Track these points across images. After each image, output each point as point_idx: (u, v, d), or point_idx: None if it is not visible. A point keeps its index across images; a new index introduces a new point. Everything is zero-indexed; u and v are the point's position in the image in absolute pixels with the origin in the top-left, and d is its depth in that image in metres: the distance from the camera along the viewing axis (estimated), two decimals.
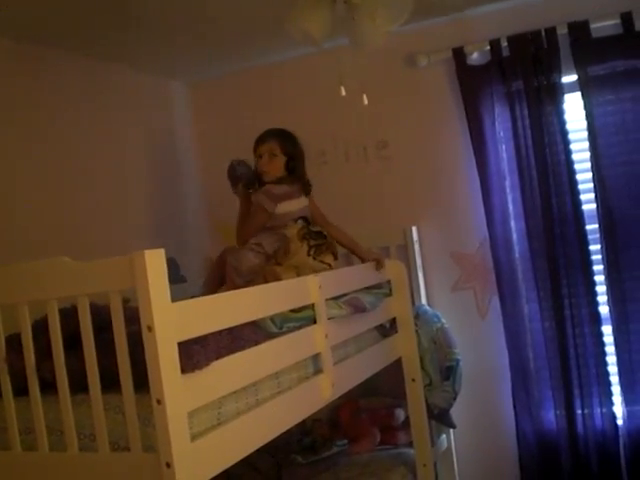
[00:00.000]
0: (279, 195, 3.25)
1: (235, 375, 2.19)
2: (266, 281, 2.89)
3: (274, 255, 3.15)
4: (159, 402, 1.81)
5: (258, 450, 2.29)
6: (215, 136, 4.71)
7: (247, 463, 3.36)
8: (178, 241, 4.48)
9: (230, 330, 2.21)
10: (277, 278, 2.92)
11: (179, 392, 1.86)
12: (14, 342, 2.15)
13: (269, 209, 3.22)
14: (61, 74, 3.84)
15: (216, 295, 2.23)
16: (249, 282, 3.07)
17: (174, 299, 1.91)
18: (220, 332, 2.15)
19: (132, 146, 4.31)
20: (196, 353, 1.98)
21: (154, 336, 1.81)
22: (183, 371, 1.90)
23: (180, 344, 1.90)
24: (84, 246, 3.60)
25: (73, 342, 2.04)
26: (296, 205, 3.29)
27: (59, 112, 3.80)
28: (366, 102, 3.03)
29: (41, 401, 2.07)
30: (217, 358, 2.08)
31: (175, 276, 4.25)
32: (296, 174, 3.36)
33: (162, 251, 1.87)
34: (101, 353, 1.98)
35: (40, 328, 2.10)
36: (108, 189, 4.05)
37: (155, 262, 1.84)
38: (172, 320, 1.87)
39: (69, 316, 2.04)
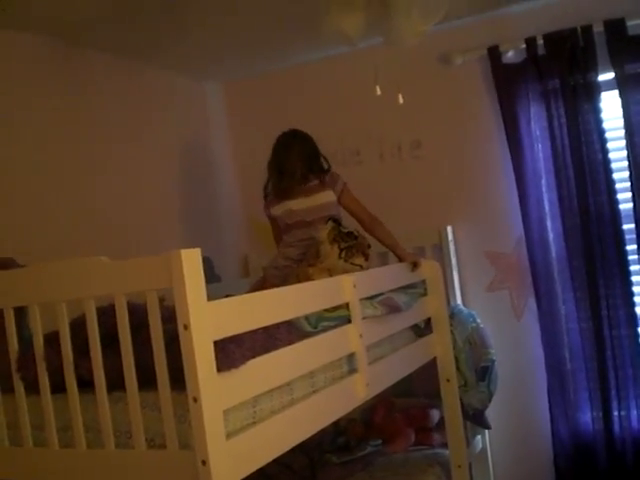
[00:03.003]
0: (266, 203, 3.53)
1: (270, 374, 2.19)
2: (299, 282, 2.90)
3: (305, 257, 3.17)
4: (195, 400, 1.82)
5: (292, 449, 2.29)
6: (249, 135, 4.73)
7: (281, 462, 3.38)
8: (213, 240, 4.51)
9: (265, 329, 2.21)
10: (309, 279, 2.93)
11: (215, 390, 1.87)
12: (52, 340, 2.17)
13: (266, 214, 3.52)
14: (97, 74, 3.90)
15: (251, 294, 2.24)
16: (284, 282, 3.09)
17: (209, 298, 1.92)
18: (255, 331, 2.15)
19: (167, 146, 4.35)
20: (232, 352, 1.98)
21: (190, 334, 1.82)
22: (219, 369, 1.91)
23: (216, 343, 1.91)
24: (120, 246, 3.65)
25: (110, 340, 2.06)
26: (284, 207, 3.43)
27: (95, 112, 3.85)
28: (401, 101, 3.02)
29: (79, 399, 2.09)
30: (252, 357, 2.09)
31: (210, 275, 4.28)
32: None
33: (198, 250, 1.88)
34: (138, 351, 1.99)
35: (78, 326, 2.13)
36: (144, 189, 4.09)
37: (191, 261, 1.85)
38: (208, 319, 1.88)
39: (107, 314, 2.06)
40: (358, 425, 4.05)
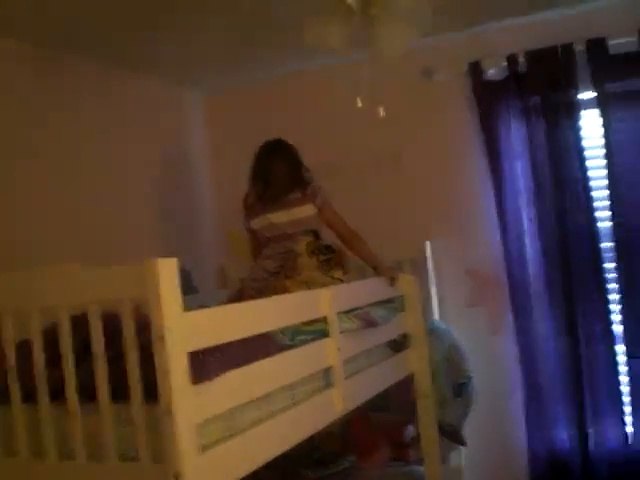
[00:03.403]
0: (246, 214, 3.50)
1: (247, 386, 2.16)
2: (276, 295, 2.87)
3: (283, 270, 3.14)
4: (168, 412, 1.79)
5: (265, 464, 2.26)
6: (228, 147, 4.70)
7: (253, 476, 3.33)
8: (190, 252, 4.47)
9: (242, 341, 2.18)
10: (286, 292, 2.90)
11: (189, 403, 1.84)
12: (24, 349, 2.12)
13: (244, 227, 3.49)
14: (75, 78, 3.85)
15: (228, 306, 2.21)
16: (261, 294, 3.06)
17: (186, 310, 1.89)
18: (232, 343, 2.12)
19: (144, 154, 4.31)
20: (207, 364, 1.95)
21: (165, 345, 1.78)
22: (194, 382, 1.88)
23: (191, 354, 1.88)
24: (95, 257, 3.58)
25: (85, 349, 2.02)
26: (265, 220, 3.40)
27: (71, 117, 3.80)
28: (383, 114, 3.00)
29: (50, 409, 2.05)
30: (228, 369, 2.06)
31: (187, 287, 4.23)
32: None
33: (174, 260, 1.85)
34: (112, 362, 1.96)
35: (51, 335, 2.09)
36: (119, 199, 4.04)
37: (167, 271, 1.82)
38: (183, 330, 1.85)
39: (81, 324, 2.02)
40: (334, 439, 4.01)
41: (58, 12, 3.21)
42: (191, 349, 1.88)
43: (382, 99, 3.59)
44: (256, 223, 3.46)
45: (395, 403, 4.02)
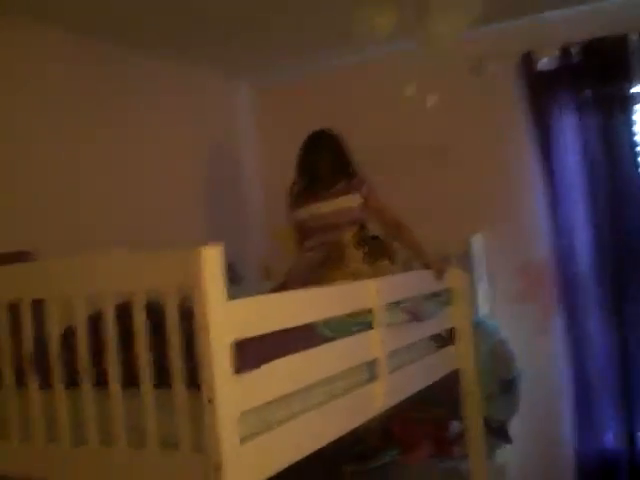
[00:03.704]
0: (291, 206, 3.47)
1: (288, 378, 2.13)
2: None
3: (328, 261, 3.11)
4: (210, 401, 1.77)
5: (307, 456, 2.23)
6: (277, 139, 4.68)
7: (293, 470, 3.30)
8: (235, 244, 4.44)
9: (285, 332, 2.15)
10: (331, 283, 2.87)
11: (231, 392, 1.82)
12: (69, 336, 2.13)
13: (289, 218, 3.50)
14: (125, 71, 3.89)
15: (272, 295, 2.18)
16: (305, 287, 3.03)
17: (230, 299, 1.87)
18: (274, 333, 2.09)
19: (193, 145, 4.33)
20: (250, 353, 1.93)
21: (208, 334, 1.76)
22: (236, 371, 1.86)
23: (234, 344, 1.85)
24: (141, 245, 3.60)
25: (128, 335, 2.01)
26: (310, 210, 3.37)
27: (125, 107, 3.87)
28: (432, 103, 2.94)
29: (93, 394, 2.05)
30: (271, 360, 2.03)
31: (231, 278, 4.22)
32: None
33: (220, 248, 1.83)
34: (156, 349, 1.94)
35: (95, 322, 2.08)
36: (167, 188, 4.06)
37: (212, 259, 1.80)
38: (227, 319, 1.82)
39: (125, 311, 2.02)
40: (376, 434, 3.97)
41: (116, 4, 3.21)
42: (234, 339, 1.86)
43: (432, 90, 3.56)
44: (301, 214, 3.44)
45: (440, 398, 3.96)
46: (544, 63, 3.99)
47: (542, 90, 3.97)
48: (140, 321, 1.94)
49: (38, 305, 2.17)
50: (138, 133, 3.91)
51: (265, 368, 2.00)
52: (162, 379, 1.92)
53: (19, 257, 2.44)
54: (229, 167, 4.66)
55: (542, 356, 4.10)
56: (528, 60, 3.98)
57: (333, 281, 2.92)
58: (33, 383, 2.17)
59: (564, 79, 3.91)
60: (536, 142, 4.01)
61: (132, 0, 3.22)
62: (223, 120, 4.64)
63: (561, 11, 3.86)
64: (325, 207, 3.35)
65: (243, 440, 1.89)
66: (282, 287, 3.36)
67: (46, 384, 2.14)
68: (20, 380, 2.20)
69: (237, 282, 4.25)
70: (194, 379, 1.81)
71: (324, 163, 3.40)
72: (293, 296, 2.26)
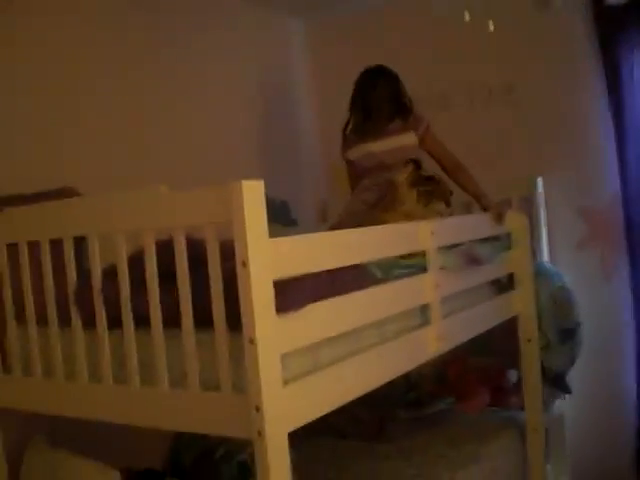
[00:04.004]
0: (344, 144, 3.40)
1: (334, 320, 2.06)
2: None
3: (382, 202, 3.00)
4: (252, 342, 1.71)
5: (360, 401, 2.18)
6: (332, 75, 4.55)
7: (348, 413, 3.26)
8: (291, 183, 4.38)
9: (331, 272, 2.06)
10: (384, 224, 2.76)
11: (273, 332, 1.75)
12: (110, 273, 2.08)
13: (342, 157, 3.43)
14: (173, 5, 3.78)
15: (317, 234, 2.08)
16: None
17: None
18: (320, 274, 2.01)
19: (245, 80, 4.24)
20: (293, 293, 1.86)
21: (249, 272, 1.69)
22: (278, 311, 1.78)
23: (276, 283, 1.78)
24: (192, 181, 3.55)
25: (168, 276, 1.96)
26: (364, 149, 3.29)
27: (176, 43, 3.77)
28: (492, 28, 2.78)
29: (134, 335, 2.01)
30: (315, 300, 1.95)
31: (286, 219, 4.16)
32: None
33: (260, 183, 1.74)
34: (196, 289, 1.88)
35: (136, 260, 2.03)
36: (219, 124, 3.99)
37: (253, 194, 1.72)
38: (268, 256, 1.75)
39: (166, 249, 1.95)
40: (430, 381, 3.90)
41: None
42: (276, 277, 1.78)
43: (494, 28, 3.38)
44: (354, 152, 3.33)
45: (497, 346, 3.86)
46: None
47: (611, 26, 3.74)
48: (181, 258, 1.87)
49: (82, 242, 2.15)
50: (190, 70, 3.82)
51: (310, 308, 1.93)
52: (204, 320, 1.86)
53: (63, 193, 2.40)
54: (284, 105, 4.55)
55: (604, 305, 3.94)
56: None
57: (385, 223, 2.81)
58: (76, 321, 2.14)
59: (635, 14, 3.67)
60: (604, 80, 3.80)
61: None
62: (276, 54, 4.52)
63: None
64: (380, 146, 3.24)
65: (286, 382, 1.83)
66: (334, 229, 3.28)
67: (89, 322, 2.12)
68: (63, 318, 2.18)
69: (291, 224, 4.19)
70: (236, 320, 1.75)
71: (380, 100, 3.28)
72: (339, 236, 2.17)
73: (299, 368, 1.93)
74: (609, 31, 3.76)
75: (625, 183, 3.76)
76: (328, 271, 2.05)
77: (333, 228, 3.28)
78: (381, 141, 3.24)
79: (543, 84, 4.02)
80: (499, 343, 3.80)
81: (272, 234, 1.79)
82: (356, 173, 3.38)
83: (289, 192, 4.23)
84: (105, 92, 3.39)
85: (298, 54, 4.67)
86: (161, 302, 1.95)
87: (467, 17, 2.85)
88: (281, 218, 4.11)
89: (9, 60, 2.99)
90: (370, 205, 3.13)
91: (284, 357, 1.82)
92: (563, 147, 3.99)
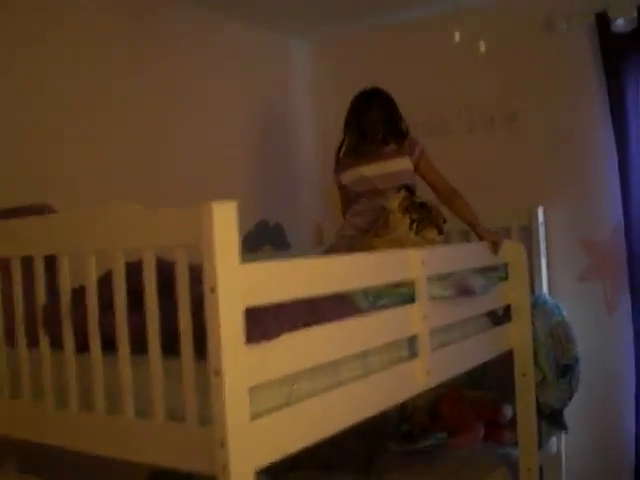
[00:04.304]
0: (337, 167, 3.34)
1: (312, 351, 1.95)
2: None
3: (373, 227, 2.91)
4: (217, 373, 1.61)
5: (350, 431, 2.09)
6: (332, 97, 4.46)
7: (334, 443, 3.14)
8: (287, 205, 4.31)
9: (310, 301, 1.97)
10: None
11: (241, 364, 1.65)
12: (80, 294, 1.99)
13: (335, 181, 3.35)
14: (172, 24, 3.75)
15: (295, 259, 1.98)
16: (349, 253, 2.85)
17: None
18: (299, 302, 1.91)
19: (243, 101, 4.18)
20: (265, 322, 1.76)
21: (216, 298, 1.60)
22: (248, 341, 1.68)
23: (248, 311, 1.68)
24: (187, 201, 3.47)
25: (138, 299, 1.87)
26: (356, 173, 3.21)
27: (171, 63, 3.72)
28: (483, 49, 2.71)
29: (102, 360, 1.91)
30: (291, 330, 1.85)
31: (280, 242, 4.09)
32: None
33: (234, 204, 1.66)
34: (166, 313, 1.79)
35: (107, 281, 1.94)
36: (216, 144, 3.93)
37: (224, 215, 1.63)
38: (239, 283, 1.65)
39: (136, 270, 1.86)
40: (423, 414, 3.78)
41: None
42: (247, 305, 1.69)
43: (499, 51, 3.32)
44: (346, 176, 3.25)
45: (494, 379, 3.76)
46: (620, 24, 3.67)
47: (618, 53, 3.67)
48: (150, 281, 1.79)
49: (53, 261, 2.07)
50: (188, 89, 3.77)
51: (284, 339, 1.82)
52: (174, 346, 1.76)
53: (37, 210, 2.32)
54: (282, 125, 4.47)
55: (605, 340, 3.83)
56: (602, 20, 3.67)
57: (375, 249, 2.72)
58: (44, 343, 2.05)
59: None
60: (608, 108, 3.71)
61: None
62: (276, 75, 4.46)
63: None
64: (373, 170, 3.15)
65: (255, 416, 1.73)
66: (327, 254, 3.19)
67: (57, 344, 2.03)
68: (31, 339, 2.09)
69: (285, 247, 4.11)
70: (205, 348, 1.65)
71: (374, 122, 3.20)
72: (319, 263, 2.05)
73: (271, 401, 1.83)
74: (615, 58, 3.70)
75: (628, 214, 3.67)
76: (308, 300, 1.95)
77: (325, 254, 3.20)
78: (375, 165, 3.16)
79: (546, 112, 3.95)
80: (495, 376, 3.72)
81: (263, 257, 1.70)
82: (348, 197, 3.30)
83: (285, 214, 4.18)
84: (103, 108, 3.35)
85: (298, 76, 4.61)
86: (129, 326, 1.86)
87: (457, 38, 2.77)
88: (275, 240, 4.04)
89: None
90: (362, 231, 3.05)
91: (253, 390, 1.72)
92: (565, 176, 3.91)
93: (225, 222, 1.63)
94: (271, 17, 4.12)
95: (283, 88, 4.50)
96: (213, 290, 1.60)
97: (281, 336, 1.80)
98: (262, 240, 3.92)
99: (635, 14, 3.58)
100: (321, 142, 4.52)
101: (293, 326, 1.87)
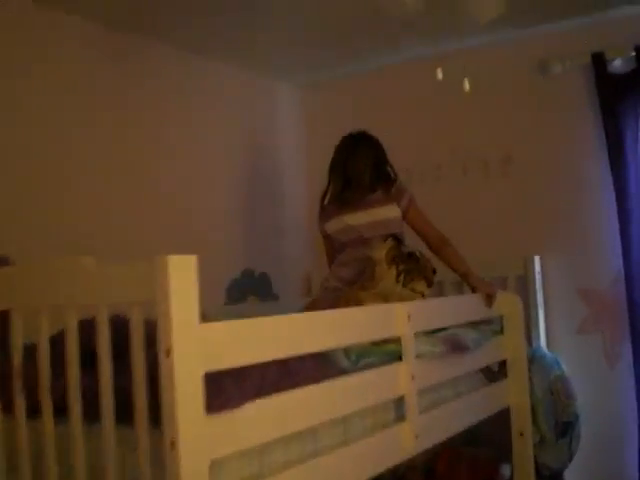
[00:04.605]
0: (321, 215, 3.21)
1: (284, 418, 1.78)
2: (348, 307, 2.49)
3: (358, 279, 2.75)
4: (173, 445, 1.43)
5: None
6: (320, 142, 4.31)
7: None
8: (274, 253, 4.16)
9: (283, 361, 1.80)
10: (360, 304, 2.51)
11: (201, 435, 1.49)
12: (33, 354, 1.83)
13: (319, 229, 3.20)
14: (156, 65, 3.65)
15: (264, 318, 1.81)
16: (333, 306, 2.68)
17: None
18: (269, 363, 1.74)
19: (229, 146, 4.05)
20: (228, 388, 1.59)
21: (172, 363, 1.43)
22: (209, 409, 1.52)
23: (208, 375, 1.52)
24: (169, 251, 3.33)
25: (92, 361, 1.70)
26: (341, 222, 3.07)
27: (151, 106, 3.60)
28: (467, 87, 2.59)
29: (54, 426, 1.75)
30: (258, 396, 1.68)
31: (266, 292, 3.93)
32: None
33: (192, 258, 1.50)
34: (120, 378, 1.62)
35: (60, 341, 1.78)
36: (200, 190, 3.80)
37: (182, 271, 1.48)
38: (199, 344, 1.50)
39: (88, 330, 1.70)
40: (418, 473, 3.59)
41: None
42: (208, 369, 1.52)
43: (491, 94, 3.21)
44: (331, 225, 3.09)
45: (491, 435, 3.56)
46: (617, 65, 3.58)
47: (615, 94, 3.55)
48: (103, 341, 1.62)
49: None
50: (165, 132, 3.64)
51: (251, 406, 1.65)
52: (129, 413, 1.59)
53: None
54: (268, 171, 4.32)
55: (607, 395, 3.65)
56: (599, 61, 3.56)
57: (360, 302, 2.56)
58: None
59: (639, 82, 3.49)
60: (607, 153, 3.59)
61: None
62: (262, 121, 4.33)
63: (636, 6, 3.45)
64: (359, 218, 2.99)
65: None
66: (311, 308, 3.02)
67: (8, 408, 1.86)
68: None
69: (271, 298, 3.95)
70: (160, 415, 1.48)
71: (360, 167, 3.05)
72: (290, 320, 1.88)
73: (238, 475, 1.66)
74: (612, 100, 3.59)
75: (628, 263, 3.53)
76: (279, 361, 1.78)
77: (310, 307, 3.03)
78: (361, 213, 3.00)
79: (542, 155, 3.84)
80: (493, 431, 3.51)
81: (247, 309, 1.54)
82: (333, 248, 3.13)
83: (272, 263, 4.04)
84: (85, 156, 3.24)
85: (285, 119, 4.48)
86: (82, 390, 1.69)
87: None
88: (260, 291, 3.89)
89: None
90: (347, 282, 2.88)
91: (217, 463, 1.55)
92: (562, 223, 3.77)
93: (183, 277, 1.48)
94: (257, 59, 4.02)
95: (270, 133, 4.37)
96: (168, 353, 1.45)
97: (246, 404, 1.63)
98: (247, 291, 3.77)
99: (633, 53, 3.48)
100: (309, 188, 4.38)
101: (261, 391, 1.69)
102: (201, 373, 1.50)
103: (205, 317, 2.65)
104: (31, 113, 3.04)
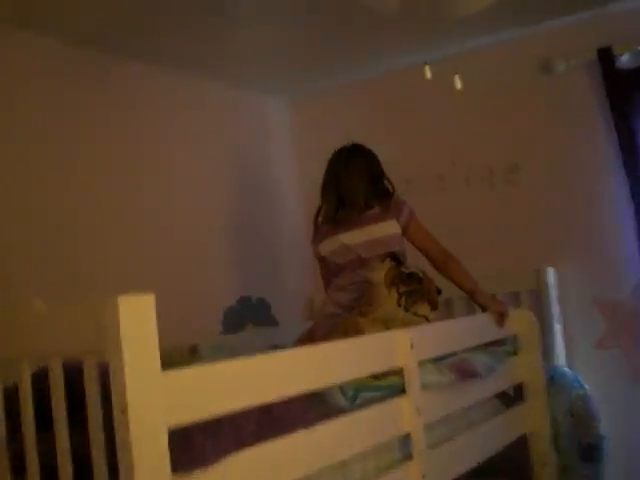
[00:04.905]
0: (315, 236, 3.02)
1: (269, 470, 1.57)
2: (346, 335, 2.28)
3: (356, 304, 2.55)
4: None
5: None
6: (315, 158, 4.13)
7: None
8: (272, 277, 3.97)
9: (268, 409, 1.59)
10: (359, 332, 2.30)
11: None
12: None
13: (313, 251, 3.00)
14: (138, 85, 3.51)
15: (239, 359, 1.58)
16: (330, 334, 2.48)
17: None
18: (249, 411, 1.53)
19: (221, 165, 3.90)
20: (197, 443, 1.38)
21: (127, 421, 1.23)
22: (176, 470, 1.31)
23: (176, 431, 1.31)
24: (162, 286, 3.14)
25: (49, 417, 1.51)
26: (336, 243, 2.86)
27: (136, 126, 3.45)
28: (459, 86, 2.42)
29: None
30: (238, 448, 1.47)
31: (264, 318, 3.75)
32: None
33: (149, 298, 1.30)
34: (78, 435, 1.43)
35: (16, 393, 1.59)
36: (189, 213, 3.63)
37: (136, 313, 1.28)
38: (162, 396, 1.30)
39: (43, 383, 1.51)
40: None
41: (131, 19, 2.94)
42: (173, 424, 1.32)
43: (495, 99, 3.03)
44: (326, 246, 2.87)
45: (507, 467, 3.34)
46: (625, 60, 3.41)
47: (624, 91, 3.39)
48: (57, 395, 1.43)
49: None
50: (156, 156, 3.49)
51: (228, 462, 1.44)
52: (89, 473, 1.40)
53: None
54: (262, 192, 4.14)
55: (632, 413, 3.42)
56: (606, 57, 3.39)
57: (359, 329, 2.35)
58: None
59: None
60: (621, 154, 3.41)
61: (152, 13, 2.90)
62: (254, 137, 4.16)
63: None
64: (355, 237, 2.77)
65: None
66: (309, 335, 2.82)
67: None
68: None
69: (269, 323, 3.77)
70: None
71: (354, 185, 2.84)
72: (271, 361, 1.65)
73: None
74: (622, 97, 3.43)
75: None
76: (264, 408, 1.57)
77: (307, 335, 2.82)
78: (356, 231, 2.78)
79: (550, 160, 3.66)
80: (511, 460, 3.29)
81: (245, 338, 1.34)
82: (329, 270, 2.91)
83: (269, 287, 3.85)
84: (69, 176, 3.09)
85: (277, 135, 4.31)
86: (40, 450, 1.51)
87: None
88: (258, 318, 3.70)
89: None
90: (345, 308, 2.67)
91: None
92: (576, 231, 3.59)
93: (137, 321, 1.28)
94: (243, 75, 3.88)
95: (261, 150, 4.20)
96: (124, 411, 1.24)
97: (222, 460, 1.42)
98: (244, 318, 3.57)
99: None
100: (305, 204, 4.18)
101: (240, 444, 1.48)
102: (164, 429, 1.30)
103: (197, 352, 2.42)
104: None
